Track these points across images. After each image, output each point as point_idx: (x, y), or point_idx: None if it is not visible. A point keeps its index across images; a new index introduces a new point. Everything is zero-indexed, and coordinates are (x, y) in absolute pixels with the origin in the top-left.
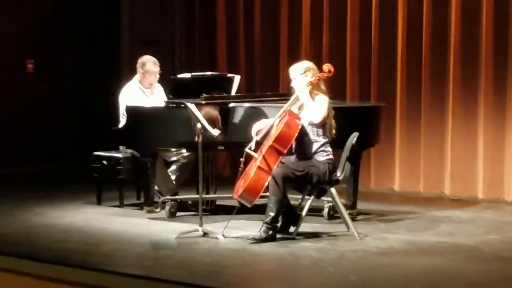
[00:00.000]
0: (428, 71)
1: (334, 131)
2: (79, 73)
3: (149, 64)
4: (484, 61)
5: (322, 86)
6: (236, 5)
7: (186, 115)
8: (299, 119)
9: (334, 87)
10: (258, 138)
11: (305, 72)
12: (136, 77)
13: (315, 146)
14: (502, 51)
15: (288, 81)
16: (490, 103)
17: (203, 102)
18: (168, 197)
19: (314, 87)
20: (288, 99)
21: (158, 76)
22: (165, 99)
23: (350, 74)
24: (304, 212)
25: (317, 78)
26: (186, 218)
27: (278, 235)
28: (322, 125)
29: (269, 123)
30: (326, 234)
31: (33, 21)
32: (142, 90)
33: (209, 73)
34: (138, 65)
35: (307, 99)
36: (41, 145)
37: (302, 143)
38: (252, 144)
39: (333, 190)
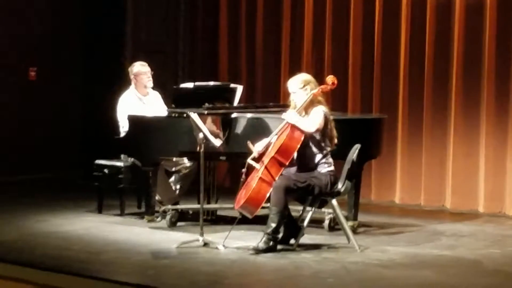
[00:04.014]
0: (430, 84)
1: (336, 141)
2: (81, 81)
3: (136, 66)
4: (486, 75)
5: (320, 98)
6: (238, 15)
7: (188, 124)
8: (301, 131)
9: (335, 98)
10: (258, 149)
11: (304, 85)
12: (132, 86)
13: (317, 158)
14: (504, 65)
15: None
16: (492, 117)
17: (206, 112)
18: (169, 206)
19: (315, 98)
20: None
21: (150, 76)
22: (163, 106)
23: (352, 86)
24: (305, 224)
25: (320, 90)
26: (186, 227)
27: (279, 246)
28: (322, 136)
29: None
30: (326, 246)
31: (36, 29)
32: (139, 97)
33: (211, 83)
34: (129, 73)
35: (298, 120)
36: (43, 153)
37: (304, 155)
38: (254, 154)
39: (334, 201)
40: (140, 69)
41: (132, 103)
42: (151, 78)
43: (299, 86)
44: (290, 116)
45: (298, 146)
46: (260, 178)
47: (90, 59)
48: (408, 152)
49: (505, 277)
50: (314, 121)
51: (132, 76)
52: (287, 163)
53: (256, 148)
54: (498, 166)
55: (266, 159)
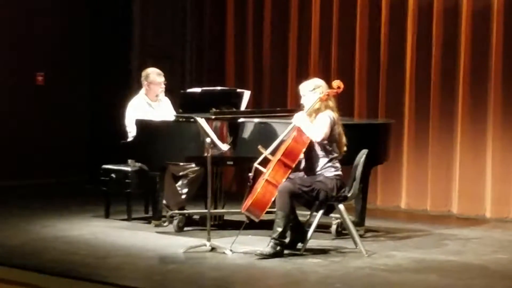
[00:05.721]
0: (437, 88)
1: (345, 148)
2: (89, 86)
3: (152, 75)
4: (493, 79)
5: (331, 103)
6: (245, 21)
7: (196, 129)
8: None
9: (342, 103)
10: (267, 153)
11: (314, 89)
12: (142, 91)
13: (322, 162)
14: (511, 69)
15: (298, 97)
16: (499, 121)
17: (213, 117)
18: (176, 211)
19: (323, 103)
20: None
21: (163, 86)
22: (173, 112)
23: (358, 91)
24: (312, 229)
25: (327, 94)
26: (194, 232)
27: (285, 251)
28: (330, 141)
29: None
30: (334, 251)
31: (44, 34)
32: (149, 103)
33: (218, 88)
34: (143, 78)
35: (305, 125)
36: (50, 157)
37: (310, 158)
38: (261, 159)
39: (341, 206)
40: (156, 79)
41: (141, 108)
42: (164, 88)
43: (309, 89)
44: (298, 119)
45: (304, 149)
46: (266, 180)
47: (97, 64)
48: (414, 157)
49: None
50: (319, 130)
51: (145, 82)
52: (293, 166)
53: (267, 152)
54: (505, 170)
55: (272, 162)
